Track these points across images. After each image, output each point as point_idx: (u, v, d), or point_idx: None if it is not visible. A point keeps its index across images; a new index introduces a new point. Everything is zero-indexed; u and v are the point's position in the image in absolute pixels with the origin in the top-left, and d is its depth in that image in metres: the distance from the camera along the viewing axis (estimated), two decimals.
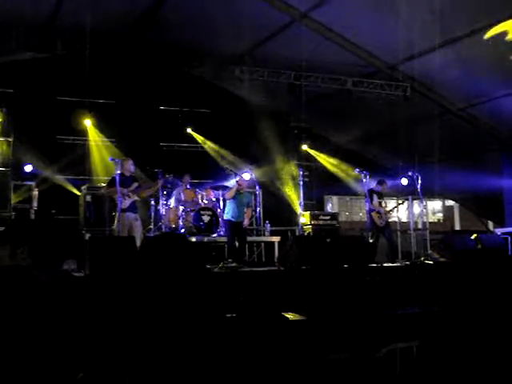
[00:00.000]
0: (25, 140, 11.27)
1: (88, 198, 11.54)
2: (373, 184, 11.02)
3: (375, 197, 10.72)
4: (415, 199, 12.15)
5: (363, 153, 16.49)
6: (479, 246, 9.67)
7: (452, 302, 6.78)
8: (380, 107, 13.40)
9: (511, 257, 10.27)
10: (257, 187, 12.47)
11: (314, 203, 15.53)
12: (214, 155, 14.22)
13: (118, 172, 9.08)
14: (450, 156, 14.61)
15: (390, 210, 11.26)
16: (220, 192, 11.50)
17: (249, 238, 11.09)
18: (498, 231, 12.65)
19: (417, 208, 15.23)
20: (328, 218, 13.31)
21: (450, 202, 21.76)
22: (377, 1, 10.21)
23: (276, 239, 11.41)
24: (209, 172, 13.50)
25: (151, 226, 11.42)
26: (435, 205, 22.61)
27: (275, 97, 13.92)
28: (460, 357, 5.38)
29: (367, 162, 15.42)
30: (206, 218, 11.01)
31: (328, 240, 8.77)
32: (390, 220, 11.20)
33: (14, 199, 10.56)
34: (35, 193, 11.09)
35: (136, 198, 9.43)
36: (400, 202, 11.96)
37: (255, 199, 12.45)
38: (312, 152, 15.80)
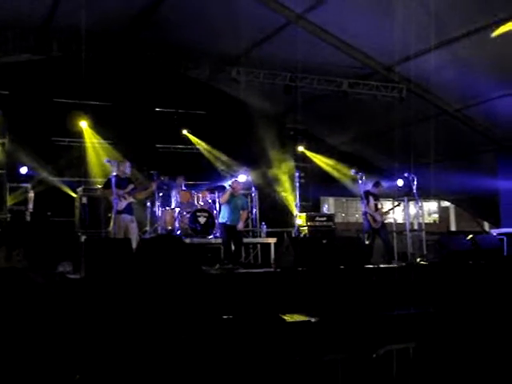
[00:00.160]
0: (20, 142, 11.25)
1: (84, 199, 11.52)
2: (369, 186, 11.03)
3: (371, 198, 10.73)
4: (411, 200, 12.16)
5: (359, 154, 16.50)
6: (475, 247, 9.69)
7: (447, 302, 6.79)
8: (376, 108, 13.43)
9: (507, 257, 10.32)
10: (253, 189, 12.46)
11: (310, 204, 15.55)
12: (209, 157, 14.22)
13: (114, 174, 9.08)
14: (445, 157, 14.64)
15: (386, 212, 11.27)
16: (216, 194, 11.49)
17: (245, 240, 11.08)
18: (494, 232, 12.68)
19: (413, 209, 15.26)
20: (324, 219, 13.33)
21: (445, 203, 21.82)
22: (372, 2, 10.22)
23: (272, 241, 11.40)
24: (205, 174, 13.51)
25: (147, 228, 11.41)
26: (431, 206, 22.67)
27: (271, 98, 13.94)
28: (456, 357, 5.38)
29: (363, 163, 15.43)
30: (201, 220, 11.00)
31: (324, 241, 8.76)
32: (385, 221, 11.21)
33: (9, 201, 10.54)
34: (31, 195, 11.07)
35: (132, 199, 9.41)
36: (396, 204, 11.98)
37: (251, 201, 12.44)
38: (308, 153, 15.82)
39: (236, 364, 4.98)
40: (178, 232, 10.98)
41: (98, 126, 12.61)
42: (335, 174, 15.53)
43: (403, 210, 13.51)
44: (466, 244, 9.78)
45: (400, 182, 12.11)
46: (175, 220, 11.08)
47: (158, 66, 12.03)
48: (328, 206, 18.84)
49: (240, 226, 10.24)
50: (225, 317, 5.73)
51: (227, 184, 10.89)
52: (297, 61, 11.34)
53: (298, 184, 12.72)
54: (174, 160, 13.34)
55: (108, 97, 12.80)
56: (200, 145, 14.26)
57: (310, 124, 15.94)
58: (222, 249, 10.41)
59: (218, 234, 10.92)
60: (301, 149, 15.75)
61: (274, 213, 14.01)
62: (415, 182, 10.51)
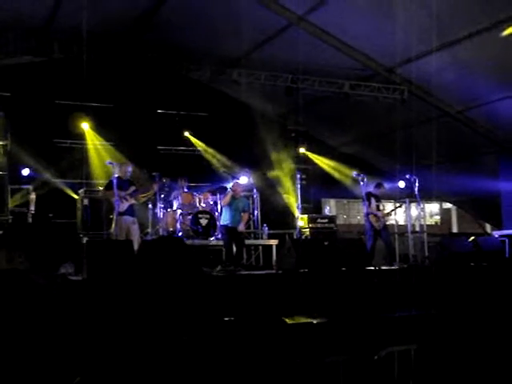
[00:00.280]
0: (22, 144, 11.26)
1: (85, 201, 11.52)
2: (370, 187, 11.02)
3: (373, 200, 10.72)
4: (413, 202, 12.13)
5: (360, 156, 16.50)
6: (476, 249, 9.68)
7: (449, 304, 6.78)
8: (377, 110, 13.42)
9: (508, 259, 10.30)
10: (254, 191, 12.46)
11: (311, 206, 15.53)
12: (210, 159, 14.22)
13: (116, 175, 9.10)
14: (447, 159, 14.63)
15: (388, 213, 11.26)
16: (218, 195, 11.49)
17: (247, 242, 11.07)
18: (496, 234, 12.65)
19: (414, 211, 15.23)
20: (326, 220, 13.32)
21: (447, 205, 21.77)
22: (374, 4, 10.22)
23: (274, 242, 11.41)
24: (206, 175, 13.52)
25: (149, 230, 11.41)
26: (433, 207, 22.62)
27: (272, 100, 13.94)
28: (457, 359, 5.38)
29: (364, 164, 15.42)
30: (203, 222, 10.99)
31: (326, 243, 8.74)
32: (387, 223, 11.20)
33: (11, 203, 10.54)
34: (33, 196, 11.06)
35: (133, 201, 9.43)
36: (398, 205, 11.95)
37: (253, 203, 12.44)
38: (309, 155, 15.82)
39: (238, 366, 4.98)
40: (180, 234, 10.98)
41: (100, 128, 12.63)
42: (337, 175, 15.53)
43: (405, 211, 13.49)
44: (468, 246, 9.77)
45: (401, 184, 12.09)
46: (177, 222, 11.08)
47: (159, 68, 12.03)
48: (329, 207, 18.80)
49: (241, 227, 10.23)
50: (226, 319, 5.73)
51: (228, 186, 10.89)
52: (298, 62, 11.34)
53: (299, 186, 12.70)
54: (175, 162, 13.34)
55: (109, 98, 12.81)
56: (201, 146, 14.27)
57: (312, 126, 15.93)
58: (224, 251, 10.40)
59: (219, 236, 10.91)
60: (302, 150, 15.75)
61: (276, 215, 14.00)
62: (417, 184, 10.50)
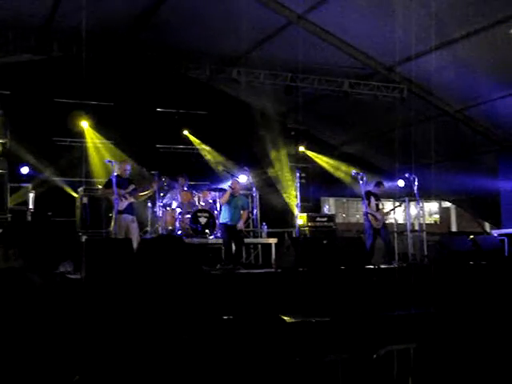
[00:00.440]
0: (22, 142, 11.26)
1: (85, 199, 11.52)
2: (370, 186, 11.03)
3: (372, 199, 10.73)
4: (412, 201, 12.15)
5: (360, 154, 16.50)
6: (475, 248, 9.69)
7: (448, 303, 6.79)
8: (377, 109, 13.43)
9: (507, 258, 10.31)
10: (253, 189, 12.47)
11: (310, 205, 15.54)
12: (210, 157, 14.23)
13: (115, 174, 9.09)
14: (446, 158, 14.65)
15: (388, 212, 11.26)
16: (217, 194, 11.49)
17: (246, 240, 11.07)
18: (495, 232, 12.67)
19: (413, 209, 15.25)
20: (325, 219, 13.33)
21: (446, 204, 21.79)
22: (373, 3, 10.22)
23: (273, 241, 11.41)
24: (206, 174, 13.53)
25: (148, 228, 11.41)
26: (432, 206, 22.64)
27: (272, 98, 13.93)
28: (457, 358, 5.38)
29: (364, 163, 15.42)
30: (202, 220, 10.99)
31: (325, 242, 8.74)
32: (386, 221, 11.21)
33: (10, 201, 10.54)
34: (32, 195, 11.06)
35: (133, 199, 9.43)
36: (397, 204, 11.96)
37: (252, 201, 12.44)
38: (309, 153, 15.82)
39: (236, 364, 4.98)
40: (179, 232, 10.98)
41: (99, 126, 12.63)
42: (336, 174, 15.53)
43: (404, 210, 13.51)
44: (467, 245, 9.78)
45: (401, 183, 12.09)
46: (176, 220, 11.08)
47: (158, 67, 12.03)
48: (329, 206, 18.82)
49: (240, 225, 10.23)
50: (225, 317, 5.73)
51: (227, 185, 10.89)
52: (297, 61, 11.34)
53: (298, 184, 12.70)
54: (174, 160, 13.34)
55: (109, 97, 12.80)
56: (200, 145, 14.27)
57: (311, 124, 15.93)
58: (223, 249, 10.41)
59: (218, 235, 10.92)
60: (301, 149, 15.75)
61: (275, 213, 14.01)
62: (416, 183, 10.50)
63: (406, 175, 10.78)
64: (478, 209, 17.54)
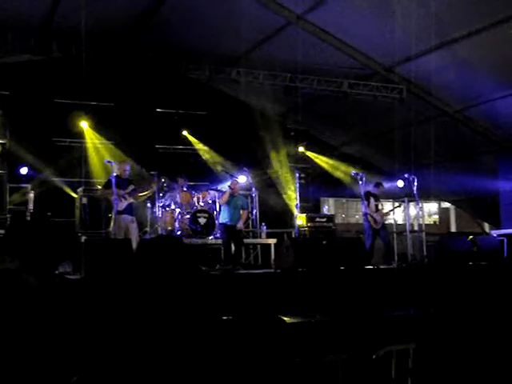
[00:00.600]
0: (21, 142, 11.26)
1: (84, 200, 11.51)
2: (370, 186, 11.03)
3: (372, 199, 10.73)
4: (411, 201, 12.15)
5: (359, 155, 16.50)
6: (475, 248, 9.68)
7: (447, 303, 6.78)
8: (376, 109, 13.42)
9: (507, 258, 10.32)
10: (253, 189, 12.46)
11: (310, 205, 15.53)
12: (209, 158, 14.22)
13: (114, 174, 9.09)
14: (446, 158, 14.64)
15: (387, 213, 11.25)
16: (216, 194, 11.49)
17: (245, 240, 11.08)
18: (494, 233, 12.67)
19: (413, 210, 15.25)
20: (324, 220, 13.32)
21: (446, 204, 21.77)
22: (373, 3, 10.21)
23: (272, 241, 11.41)
24: (205, 174, 13.52)
25: (147, 229, 11.40)
26: (431, 207, 22.62)
27: (271, 99, 13.93)
28: (456, 358, 5.38)
29: (363, 163, 15.42)
30: (202, 221, 10.99)
31: (324, 242, 8.75)
32: (386, 222, 11.21)
33: (10, 201, 10.54)
34: (31, 195, 11.05)
35: (132, 200, 9.42)
36: (397, 204, 11.95)
37: (251, 202, 12.44)
38: (308, 154, 15.82)
39: (236, 365, 4.98)
40: (178, 233, 10.98)
41: (99, 127, 12.62)
42: (335, 174, 15.53)
43: (403, 210, 13.50)
44: (467, 245, 9.78)
45: (400, 183, 12.09)
46: (175, 221, 11.08)
47: (158, 67, 12.03)
48: (328, 206, 18.82)
49: (240, 225, 10.23)
50: (225, 317, 5.73)
51: (226, 185, 10.88)
52: (297, 61, 11.34)
53: (298, 185, 12.71)
54: (174, 161, 13.34)
55: (109, 97, 12.79)
56: (200, 145, 14.26)
57: (311, 125, 15.93)
58: (223, 249, 10.41)
59: (218, 235, 10.92)
60: (301, 149, 15.75)
61: (274, 213, 14.00)
62: (415, 183, 10.51)
63: (406, 175, 10.78)
64: (478, 209, 17.55)
